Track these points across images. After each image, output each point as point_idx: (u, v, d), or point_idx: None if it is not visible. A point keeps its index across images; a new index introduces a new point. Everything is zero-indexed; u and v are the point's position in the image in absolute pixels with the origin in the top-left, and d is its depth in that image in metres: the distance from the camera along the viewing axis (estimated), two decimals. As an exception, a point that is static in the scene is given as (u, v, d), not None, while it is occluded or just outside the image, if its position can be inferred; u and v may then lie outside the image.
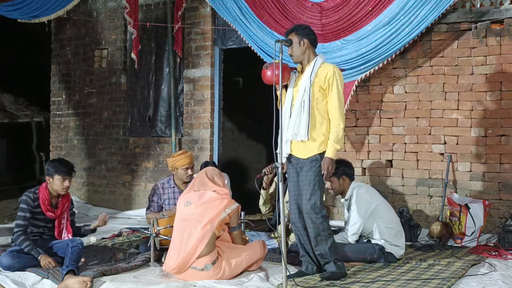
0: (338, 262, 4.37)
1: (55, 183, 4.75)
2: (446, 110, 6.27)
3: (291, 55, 4.45)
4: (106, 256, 5.05)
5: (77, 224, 5.13)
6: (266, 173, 5.34)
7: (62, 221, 4.86)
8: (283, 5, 6.62)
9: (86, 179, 8.80)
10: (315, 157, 4.32)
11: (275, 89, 4.20)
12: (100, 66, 8.69)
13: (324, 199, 4.61)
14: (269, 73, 4.33)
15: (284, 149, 4.34)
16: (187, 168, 5.43)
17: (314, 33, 4.50)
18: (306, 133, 4.29)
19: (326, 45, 6.31)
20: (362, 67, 6.26)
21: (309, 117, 4.30)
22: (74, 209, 5.11)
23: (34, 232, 4.79)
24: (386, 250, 4.84)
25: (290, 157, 4.45)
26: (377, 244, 4.85)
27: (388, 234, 4.84)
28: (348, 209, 4.99)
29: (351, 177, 5.04)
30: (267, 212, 5.70)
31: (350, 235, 4.88)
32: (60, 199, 4.87)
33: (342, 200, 5.10)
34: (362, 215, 4.85)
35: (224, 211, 4.41)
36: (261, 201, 5.76)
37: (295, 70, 4.50)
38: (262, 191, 5.59)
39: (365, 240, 4.96)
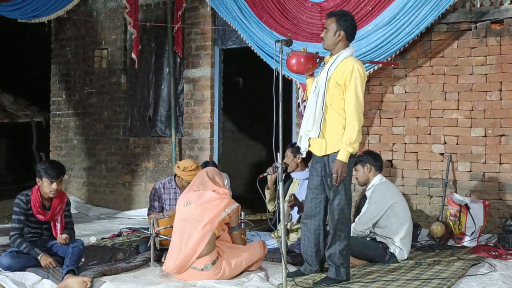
0: (341, 268, 4.19)
1: (43, 185, 4.65)
2: (446, 110, 6.27)
3: (323, 39, 4.21)
4: (106, 256, 5.05)
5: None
6: (270, 173, 5.33)
7: (56, 223, 4.78)
8: (283, 5, 6.62)
9: (86, 179, 8.80)
10: (332, 156, 4.11)
11: (277, 83, 3.96)
12: (100, 66, 8.69)
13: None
14: (293, 61, 4.22)
15: (303, 144, 4.25)
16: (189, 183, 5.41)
17: (355, 25, 4.21)
18: (318, 130, 4.12)
19: (326, 45, 6.30)
20: (362, 67, 6.25)
21: (322, 114, 4.11)
22: (72, 210, 5.01)
23: (32, 233, 4.76)
24: (389, 250, 4.82)
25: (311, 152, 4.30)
26: (381, 242, 4.84)
27: (397, 234, 4.82)
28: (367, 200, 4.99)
29: (377, 167, 5.01)
30: (273, 209, 5.69)
31: (358, 223, 4.85)
32: (52, 201, 4.75)
33: (366, 192, 5.09)
34: (379, 208, 4.83)
35: (224, 211, 4.40)
36: (267, 200, 5.73)
37: (322, 61, 4.31)
38: (266, 191, 5.56)
39: (368, 239, 4.95)
